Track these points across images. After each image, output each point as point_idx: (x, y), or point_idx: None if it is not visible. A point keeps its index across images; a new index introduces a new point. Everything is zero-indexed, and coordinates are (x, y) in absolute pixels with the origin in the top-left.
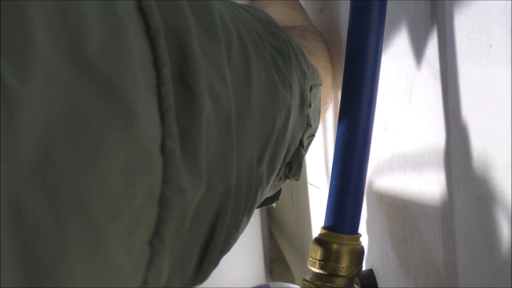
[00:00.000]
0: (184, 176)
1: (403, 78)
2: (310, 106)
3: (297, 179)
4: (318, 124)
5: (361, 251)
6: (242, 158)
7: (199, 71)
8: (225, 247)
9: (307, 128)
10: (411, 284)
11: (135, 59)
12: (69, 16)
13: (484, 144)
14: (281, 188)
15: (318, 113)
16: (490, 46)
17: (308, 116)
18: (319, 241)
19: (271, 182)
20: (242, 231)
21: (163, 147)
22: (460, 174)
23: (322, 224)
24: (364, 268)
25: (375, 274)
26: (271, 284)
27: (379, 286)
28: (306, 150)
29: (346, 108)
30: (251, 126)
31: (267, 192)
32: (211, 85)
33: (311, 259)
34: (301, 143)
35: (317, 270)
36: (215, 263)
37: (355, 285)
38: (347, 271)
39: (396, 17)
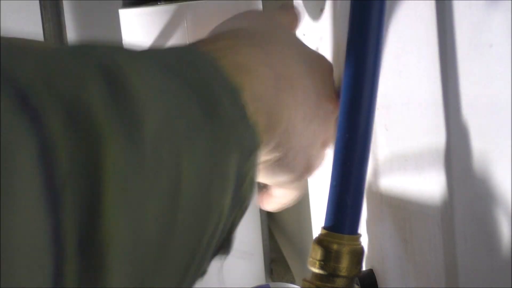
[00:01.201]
0: None
1: (403, 78)
2: (245, 181)
3: (226, 256)
4: (255, 191)
5: (361, 251)
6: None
7: (111, 236)
8: None
9: (241, 207)
10: (411, 284)
11: (26, 238)
12: None
13: (484, 144)
14: (207, 269)
15: (254, 181)
16: (490, 46)
17: (243, 195)
18: (319, 241)
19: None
20: None
21: None
22: (460, 174)
23: (322, 224)
24: (364, 268)
25: (375, 274)
26: (271, 284)
27: (379, 286)
28: (236, 226)
29: (346, 108)
30: (172, 256)
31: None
32: (127, 247)
33: (311, 259)
34: (232, 224)
35: (317, 270)
36: None
37: (355, 285)
38: (347, 271)
39: (396, 17)
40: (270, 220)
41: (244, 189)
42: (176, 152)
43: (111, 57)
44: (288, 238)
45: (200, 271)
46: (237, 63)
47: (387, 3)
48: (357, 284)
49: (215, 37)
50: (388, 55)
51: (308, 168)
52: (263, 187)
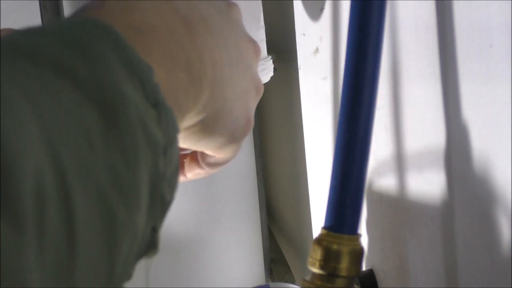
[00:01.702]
0: None
1: (403, 78)
2: (164, 179)
3: (154, 255)
4: (177, 185)
5: (361, 251)
6: None
7: None
8: None
9: (162, 207)
10: (411, 284)
11: None
12: None
13: (484, 144)
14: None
15: (176, 173)
16: (491, 46)
17: (161, 195)
18: (319, 241)
19: None
20: None
21: None
22: (460, 174)
23: (322, 224)
24: (364, 268)
25: (375, 274)
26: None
27: (379, 286)
28: (160, 227)
29: (346, 108)
30: None
31: None
32: None
33: (311, 259)
34: (153, 229)
35: (317, 270)
36: None
37: (355, 285)
38: (347, 271)
39: (396, 17)
40: (270, 220)
41: (162, 189)
42: (66, 196)
43: None
44: (288, 238)
45: (121, 281)
46: (136, 24)
47: (387, 3)
48: (357, 284)
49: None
50: (388, 55)
51: (248, 122)
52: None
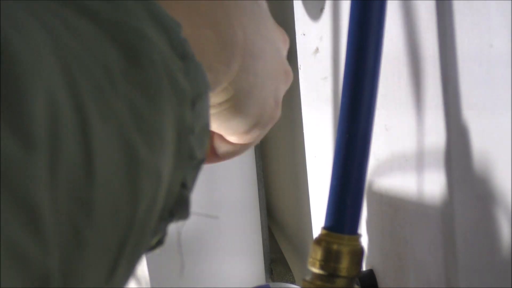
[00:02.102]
0: None
1: (403, 78)
2: (192, 132)
3: (185, 220)
4: (207, 143)
5: (361, 251)
6: None
7: None
8: None
9: (190, 162)
10: (411, 284)
11: None
12: None
13: (484, 144)
14: (166, 232)
15: (206, 132)
16: (491, 46)
17: (191, 149)
18: (319, 241)
19: (135, 264)
20: None
21: None
22: (460, 174)
23: (322, 224)
24: (364, 268)
25: (375, 274)
26: (271, 284)
27: (379, 286)
28: (192, 186)
29: (346, 108)
30: (93, 248)
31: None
32: (14, 248)
33: (311, 259)
34: (183, 185)
35: (317, 271)
36: None
37: (355, 285)
38: (347, 272)
39: (396, 17)
40: (270, 220)
41: (190, 143)
42: (83, 123)
43: None
44: (288, 238)
45: (139, 253)
46: None
47: (387, 3)
48: (357, 284)
49: None
50: (388, 55)
51: (277, 106)
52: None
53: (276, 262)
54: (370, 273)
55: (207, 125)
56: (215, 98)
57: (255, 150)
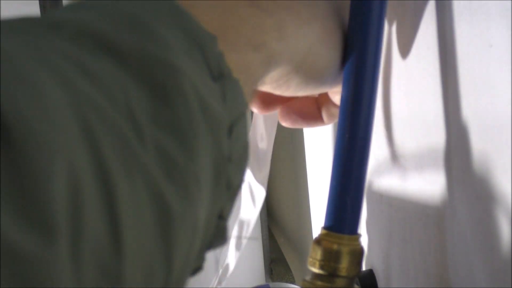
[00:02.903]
0: None
1: (403, 78)
2: (230, 160)
3: (223, 246)
4: (246, 168)
5: (361, 252)
6: None
7: None
8: None
9: (228, 192)
10: (411, 284)
11: None
12: None
13: (484, 144)
14: (205, 258)
15: (245, 155)
16: (491, 46)
17: (228, 179)
18: (319, 241)
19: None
20: None
21: None
22: (460, 174)
23: (322, 224)
24: (364, 268)
25: (375, 274)
26: (271, 284)
27: (379, 286)
28: (228, 216)
29: (346, 108)
30: None
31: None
32: None
33: (311, 259)
34: (220, 218)
35: (317, 271)
36: None
37: (355, 285)
38: (347, 272)
39: (396, 17)
40: (270, 220)
41: (227, 172)
42: (108, 191)
43: None
44: (288, 238)
45: (186, 276)
46: None
47: (387, 3)
48: (357, 284)
49: None
50: (388, 55)
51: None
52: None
53: (276, 262)
54: (370, 273)
55: (245, 147)
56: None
57: None
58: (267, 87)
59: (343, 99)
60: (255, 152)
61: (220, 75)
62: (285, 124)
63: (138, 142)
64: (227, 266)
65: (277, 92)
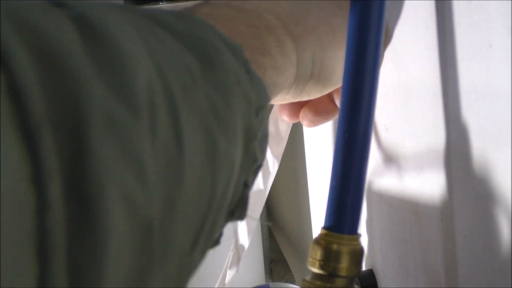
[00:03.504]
0: None
1: (403, 78)
2: (256, 137)
3: (241, 220)
4: (266, 152)
5: (361, 251)
6: (168, 262)
7: (105, 178)
8: None
9: (253, 164)
10: (411, 284)
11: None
12: None
13: (484, 144)
14: (222, 232)
15: (265, 139)
16: (490, 45)
17: (254, 151)
18: (319, 241)
19: (207, 251)
20: None
21: None
22: (460, 174)
23: (322, 224)
24: (364, 268)
25: (375, 274)
26: (271, 284)
27: (379, 286)
28: (251, 187)
29: (346, 108)
30: (183, 212)
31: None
32: (126, 192)
33: (311, 259)
34: (245, 185)
35: (317, 270)
36: None
37: (355, 285)
38: (347, 271)
39: (396, 17)
40: (270, 220)
41: (254, 146)
42: (173, 106)
43: (89, 10)
44: (288, 238)
45: (213, 237)
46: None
47: (387, 3)
48: (357, 284)
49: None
50: (388, 55)
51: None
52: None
53: (276, 262)
54: (370, 273)
55: (266, 135)
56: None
57: None
58: (289, 97)
59: (343, 99)
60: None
61: (248, 70)
62: (306, 125)
63: (193, 85)
64: (242, 246)
65: (298, 99)
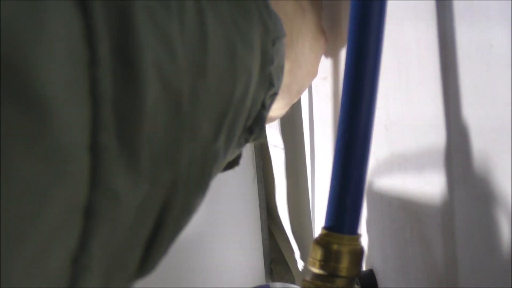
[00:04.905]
0: (120, 177)
1: (403, 78)
2: (272, 63)
3: (260, 142)
4: (282, 81)
5: (361, 252)
6: (195, 138)
7: (144, 46)
8: (176, 233)
9: (270, 88)
10: (412, 285)
11: (57, 34)
12: None
13: (484, 144)
14: (241, 152)
15: (281, 69)
16: (491, 46)
17: (270, 74)
18: (319, 241)
19: (229, 152)
20: (197, 211)
21: (93, 144)
22: (460, 174)
23: (322, 224)
24: (364, 269)
25: (375, 274)
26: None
27: (379, 286)
28: (268, 110)
29: (346, 108)
30: (206, 100)
31: (226, 161)
32: (159, 62)
33: (311, 259)
34: (263, 105)
35: (317, 271)
36: (164, 252)
37: (355, 285)
38: (347, 272)
39: (396, 17)
40: (270, 220)
41: (270, 69)
42: (200, 9)
43: None
44: (288, 238)
45: (233, 138)
46: None
47: (387, 3)
48: (357, 284)
49: None
50: (388, 55)
51: (298, 95)
52: None
53: (276, 262)
54: (370, 273)
55: (282, 66)
56: None
57: (255, 150)
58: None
59: (343, 99)
60: None
61: (267, 5)
62: None
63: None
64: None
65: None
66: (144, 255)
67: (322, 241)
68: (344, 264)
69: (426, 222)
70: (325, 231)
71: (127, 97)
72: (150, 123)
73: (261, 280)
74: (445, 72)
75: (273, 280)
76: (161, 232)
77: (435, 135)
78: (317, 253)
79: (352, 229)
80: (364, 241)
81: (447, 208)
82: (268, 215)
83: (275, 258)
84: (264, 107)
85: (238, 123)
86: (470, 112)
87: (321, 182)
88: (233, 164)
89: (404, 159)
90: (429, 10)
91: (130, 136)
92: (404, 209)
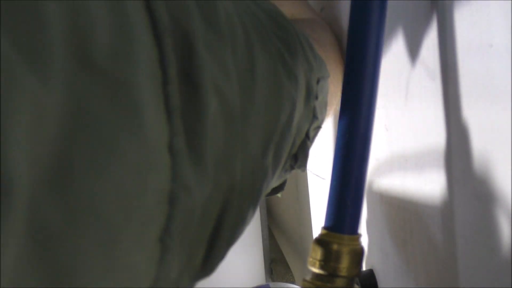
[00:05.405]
0: (191, 174)
1: (403, 78)
2: (317, 98)
3: (303, 170)
4: (325, 116)
5: (361, 252)
6: (247, 153)
7: (204, 69)
8: (232, 240)
9: (314, 120)
10: (412, 284)
11: (142, 58)
12: (79, 16)
13: (484, 144)
14: (286, 179)
15: (325, 105)
16: (491, 46)
17: (314, 108)
18: (319, 241)
19: (276, 174)
20: (249, 223)
21: (170, 146)
22: (460, 174)
23: (322, 224)
24: (364, 268)
25: (375, 274)
26: (271, 284)
27: (379, 286)
28: (312, 141)
29: (346, 108)
30: (255, 121)
31: (273, 183)
32: (216, 82)
33: (311, 259)
34: (307, 135)
35: (317, 270)
36: (222, 256)
37: (355, 285)
38: (347, 272)
39: (397, 17)
40: (270, 220)
41: (314, 104)
42: (249, 40)
43: None
44: (288, 238)
45: (280, 159)
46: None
47: (387, 3)
48: (357, 284)
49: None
50: (388, 55)
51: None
52: None
53: (276, 262)
54: (370, 273)
55: (326, 102)
56: None
57: None
58: None
59: (343, 99)
60: None
61: (312, 48)
62: None
63: (265, 34)
64: None
65: None
66: (206, 255)
67: (322, 241)
68: (344, 264)
69: (426, 222)
70: (325, 231)
71: (192, 109)
72: (211, 132)
73: (261, 280)
74: (445, 72)
75: (273, 280)
76: (220, 235)
77: (435, 135)
78: (317, 253)
79: (352, 229)
80: (364, 241)
81: (447, 208)
82: (268, 215)
83: (275, 258)
84: (308, 138)
85: (284, 146)
86: (470, 112)
87: (321, 182)
88: (278, 189)
89: (404, 159)
90: (429, 10)
91: (197, 142)
92: (404, 209)
